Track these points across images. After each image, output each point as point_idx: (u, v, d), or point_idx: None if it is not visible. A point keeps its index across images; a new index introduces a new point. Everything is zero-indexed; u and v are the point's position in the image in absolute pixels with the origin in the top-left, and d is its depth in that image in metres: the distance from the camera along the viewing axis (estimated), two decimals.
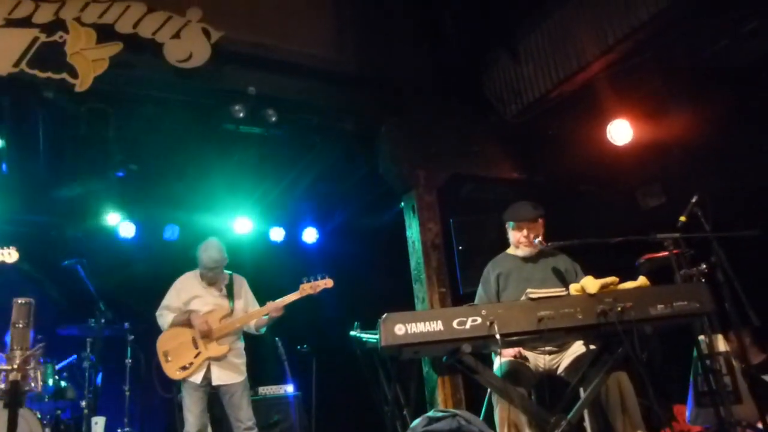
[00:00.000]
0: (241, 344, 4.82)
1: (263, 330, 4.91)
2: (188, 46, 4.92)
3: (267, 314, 4.69)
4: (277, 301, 4.69)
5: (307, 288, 4.73)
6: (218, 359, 4.60)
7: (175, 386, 4.90)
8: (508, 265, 3.99)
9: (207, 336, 4.57)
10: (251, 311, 4.79)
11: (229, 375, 4.63)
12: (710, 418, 3.59)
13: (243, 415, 4.60)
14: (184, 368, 4.53)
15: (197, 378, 4.53)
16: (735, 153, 5.14)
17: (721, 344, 3.63)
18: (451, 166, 5.96)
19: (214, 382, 4.57)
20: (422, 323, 2.92)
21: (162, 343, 4.63)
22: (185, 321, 4.64)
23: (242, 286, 4.95)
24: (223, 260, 4.80)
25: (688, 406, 3.95)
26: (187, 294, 4.77)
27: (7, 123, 5.33)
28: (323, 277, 4.80)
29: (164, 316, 4.75)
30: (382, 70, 5.96)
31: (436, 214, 5.72)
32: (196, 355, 4.56)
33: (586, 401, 3.26)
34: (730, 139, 5.10)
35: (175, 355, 4.56)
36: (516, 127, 6.11)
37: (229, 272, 4.95)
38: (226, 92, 5.21)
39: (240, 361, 4.75)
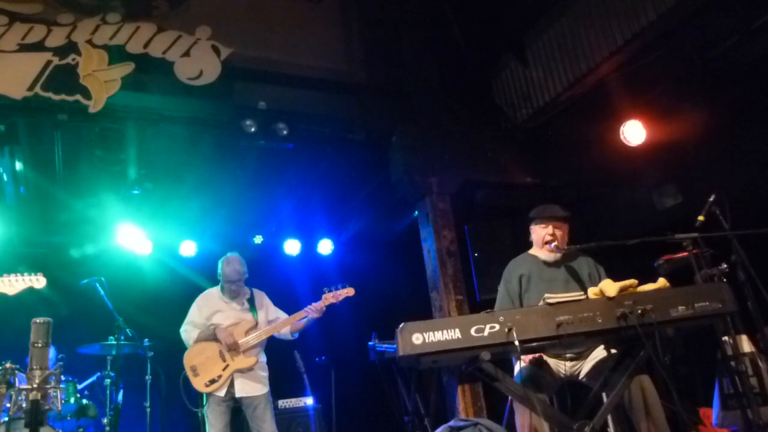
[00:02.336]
0: (264, 357, 4.86)
1: (296, 335, 4.94)
2: (198, 63, 4.98)
3: (305, 317, 4.72)
4: (319, 302, 4.73)
5: (329, 297, 4.77)
6: (245, 371, 4.62)
7: (200, 399, 4.92)
8: (531, 267, 3.95)
9: (233, 348, 4.61)
10: (287, 317, 4.85)
11: (253, 387, 4.65)
12: (737, 421, 3.51)
13: (266, 428, 4.60)
14: (212, 381, 4.56)
15: (221, 392, 4.56)
16: (750, 150, 5.07)
17: (746, 345, 3.55)
18: (464, 172, 5.95)
19: (238, 394, 4.59)
20: (440, 332, 2.90)
21: (189, 359, 4.67)
22: (211, 335, 4.68)
23: (263, 299, 5.01)
24: (244, 273, 4.88)
25: (715, 408, 3.87)
26: (209, 309, 4.82)
27: (24, 146, 5.42)
28: (344, 286, 4.85)
29: (189, 332, 4.80)
30: (392, 79, 5.98)
31: (451, 221, 5.71)
32: (224, 368, 4.60)
33: (609, 406, 3.21)
34: (745, 136, 5.03)
35: (203, 369, 4.60)
36: (528, 132, 6.10)
37: (249, 287, 4.98)
38: (237, 108, 5.26)
39: (264, 374, 4.78)
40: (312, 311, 4.70)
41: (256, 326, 4.76)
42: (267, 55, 5.46)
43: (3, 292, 4.10)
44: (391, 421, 5.28)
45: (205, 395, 4.63)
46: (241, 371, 4.61)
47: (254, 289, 5.02)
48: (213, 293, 4.93)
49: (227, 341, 4.59)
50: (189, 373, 4.60)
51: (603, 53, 5.16)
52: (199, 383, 4.57)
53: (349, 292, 4.85)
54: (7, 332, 5.14)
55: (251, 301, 4.90)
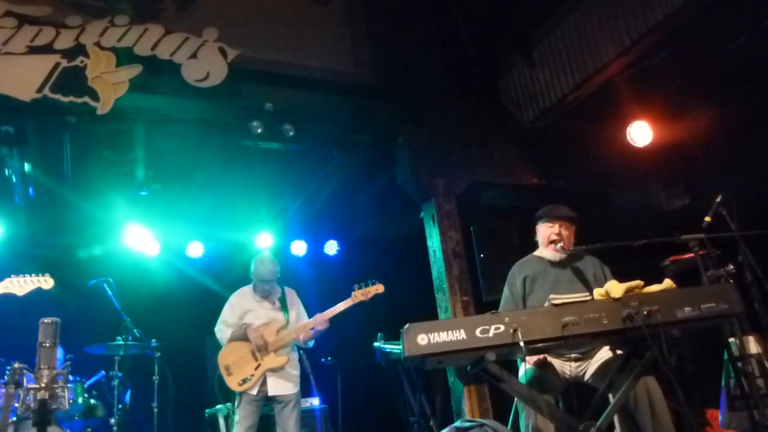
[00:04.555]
0: (296, 355, 4.93)
1: (311, 344, 4.97)
2: (205, 65, 5.01)
3: (314, 327, 4.73)
4: (325, 312, 4.74)
5: (359, 295, 4.81)
6: (276, 370, 4.67)
7: (233, 397, 4.98)
8: (535, 268, 3.94)
9: (264, 349, 4.65)
10: (303, 322, 4.85)
11: (285, 385, 4.73)
12: (744, 422, 3.50)
13: (291, 426, 4.68)
14: (245, 380, 4.64)
15: (253, 390, 4.63)
16: (758, 151, 5.03)
17: (753, 346, 3.54)
18: (470, 173, 5.94)
19: (270, 393, 4.67)
20: (445, 332, 2.91)
21: (223, 358, 4.74)
22: (243, 335, 4.74)
23: (294, 297, 5.08)
24: (277, 272, 4.95)
25: (721, 410, 3.85)
26: (241, 309, 4.90)
27: (32, 147, 5.45)
28: (374, 283, 4.89)
29: (222, 332, 4.87)
30: (399, 80, 5.99)
31: (457, 222, 5.70)
32: (257, 367, 4.66)
33: (615, 407, 3.21)
34: (753, 136, 5.00)
35: (237, 368, 4.67)
36: (534, 133, 6.08)
37: (281, 286, 5.02)
38: (244, 109, 5.27)
39: (296, 372, 4.85)
40: (318, 321, 4.71)
41: (286, 326, 4.81)
42: (273, 57, 5.48)
43: (12, 293, 4.13)
44: (397, 422, 5.26)
45: (237, 393, 4.69)
46: (273, 370, 4.67)
47: (286, 287, 5.06)
48: (245, 292, 4.99)
49: (257, 342, 4.66)
50: (223, 372, 4.69)
51: (610, 54, 5.14)
52: (232, 382, 4.65)
53: (379, 288, 4.88)
54: (15, 333, 5.18)
55: (282, 300, 4.96)
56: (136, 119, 5.04)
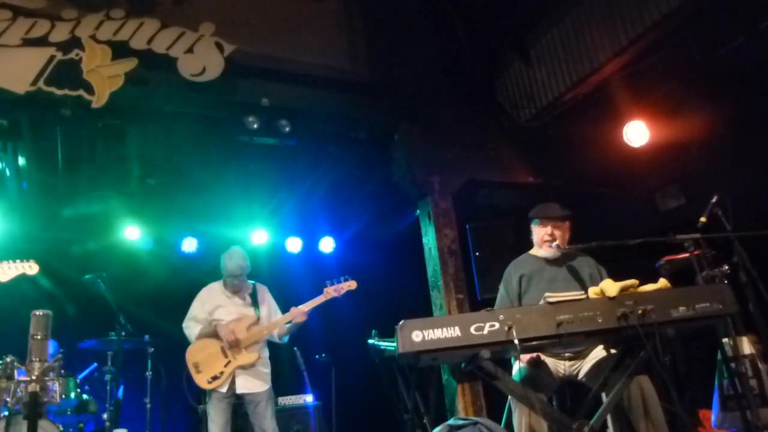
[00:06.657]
0: (267, 353, 4.85)
1: (286, 339, 4.92)
2: (202, 60, 4.98)
3: (290, 321, 4.71)
4: (300, 306, 4.69)
5: (331, 291, 4.76)
6: (247, 368, 4.62)
7: (204, 396, 4.94)
8: (531, 267, 3.95)
9: (235, 345, 4.61)
10: (276, 318, 4.82)
11: (255, 383, 4.65)
12: (737, 423, 3.51)
13: (267, 425, 4.61)
14: (215, 378, 4.56)
15: (223, 388, 4.56)
16: (754, 152, 5.05)
17: (746, 346, 3.54)
18: (466, 171, 5.95)
19: (239, 391, 4.59)
20: (439, 329, 2.90)
21: (191, 355, 4.66)
22: (213, 332, 4.67)
23: (265, 294, 5.00)
24: (247, 267, 4.86)
25: (714, 410, 3.87)
26: (211, 304, 4.82)
27: (26, 141, 5.43)
28: (346, 279, 4.82)
29: (191, 328, 4.79)
30: (395, 77, 5.98)
31: (452, 220, 5.70)
32: (226, 364, 4.60)
33: (609, 406, 3.21)
34: (749, 137, 5.02)
35: (206, 366, 4.60)
36: (530, 131, 6.09)
37: (252, 282, 4.98)
38: (240, 104, 5.26)
39: (266, 370, 4.77)
40: (296, 315, 4.66)
41: (257, 322, 4.75)
42: (270, 53, 5.46)
43: None
44: (391, 419, 5.26)
45: (207, 391, 4.63)
46: (243, 368, 4.60)
47: (257, 283, 5.01)
48: (215, 288, 4.92)
49: (228, 338, 4.58)
50: (191, 370, 4.60)
51: (607, 53, 5.15)
52: (201, 380, 4.57)
53: (351, 285, 4.81)
54: (8, 328, 5.14)
55: (253, 296, 4.89)
56: (131, 113, 5.01)
